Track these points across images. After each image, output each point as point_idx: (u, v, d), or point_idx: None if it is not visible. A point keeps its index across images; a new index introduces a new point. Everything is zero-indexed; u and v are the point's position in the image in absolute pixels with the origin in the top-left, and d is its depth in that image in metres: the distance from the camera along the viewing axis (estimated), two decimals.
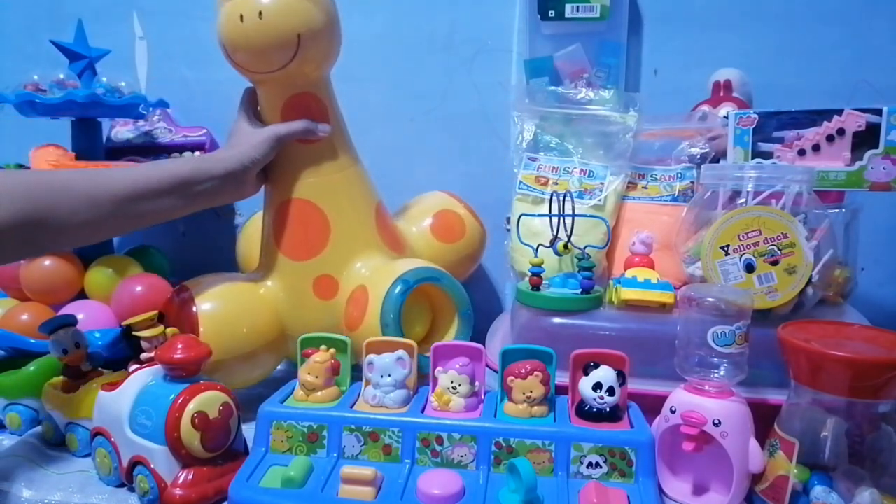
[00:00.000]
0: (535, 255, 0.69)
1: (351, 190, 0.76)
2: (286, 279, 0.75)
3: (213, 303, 0.71)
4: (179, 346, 0.58)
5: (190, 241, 1.10)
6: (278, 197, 0.75)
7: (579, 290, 0.67)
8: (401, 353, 0.60)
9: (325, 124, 0.74)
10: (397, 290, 0.68)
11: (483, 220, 0.92)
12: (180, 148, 1.04)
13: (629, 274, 0.68)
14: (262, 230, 0.79)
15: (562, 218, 0.70)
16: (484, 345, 0.66)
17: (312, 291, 0.74)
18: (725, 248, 0.61)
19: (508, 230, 0.78)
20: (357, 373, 0.64)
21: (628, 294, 0.66)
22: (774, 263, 0.60)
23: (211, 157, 0.71)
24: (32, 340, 0.75)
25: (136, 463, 0.57)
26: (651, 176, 0.79)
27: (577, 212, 0.70)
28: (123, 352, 0.72)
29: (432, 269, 0.73)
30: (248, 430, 0.61)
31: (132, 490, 0.58)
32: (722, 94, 0.86)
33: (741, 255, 0.61)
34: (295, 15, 0.67)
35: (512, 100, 0.88)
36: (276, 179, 0.75)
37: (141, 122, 1.06)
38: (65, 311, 0.79)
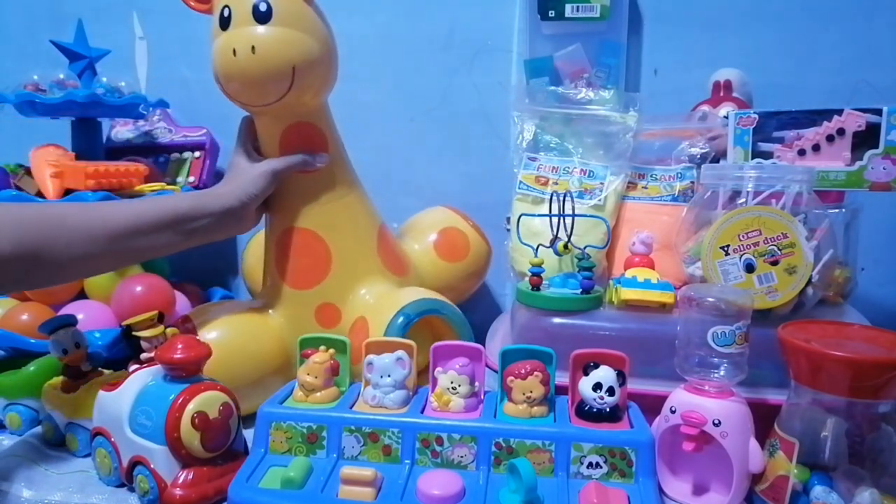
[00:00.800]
0: (535, 255, 0.69)
1: (351, 217, 0.76)
2: (288, 308, 0.75)
3: (218, 332, 0.70)
4: (179, 346, 0.58)
5: None
6: (278, 226, 0.75)
7: (579, 290, 0.67)
8: (400, 353, 0.60)
9: (324, 154, 0.73)
10: (399, 321, 0.68)
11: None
12: (180, 148, 1.04)
13: (629, 274, 0.68)
14: (265, 257, 0.78)
15: (562, 218, 0.70)
16: (484, 345, 0.66)
17: (315, 320, 0.74)
18: (725, 248, 0.61)
19: (508, 230, 0.78)
20: None
21: (628, 294, 0.65)
22: (774, 263, 0.60)
23: (209, 193, 0.70)
24: (32, 340, 0.75)
25: (136, 463, 0.57)
26: (651, 176, 0.79)
27: (577, 212, 0.70)
28: (123, 352, 0.72)
29: (433, 299, 0.72)
30: (248, 434, 0.61)
31: (132, 490, 0.58)
32: (722, 94, 0.86)
33: (741, 255, 0.61)
34: (289, 47, 0.66)
35: (512, 100, 0.88)
36: (276, 209, 0.75)
37: (141, 122, 1.06)
38: (65, 311, 0.79)
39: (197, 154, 1.04)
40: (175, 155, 1.04)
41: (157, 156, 1.05)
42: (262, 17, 0.65)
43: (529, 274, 0.68)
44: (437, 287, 0.80)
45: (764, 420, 0.55)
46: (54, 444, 0.67)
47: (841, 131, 0.67)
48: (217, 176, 1.07)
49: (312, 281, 0.74)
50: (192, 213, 0.66)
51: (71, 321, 0.67)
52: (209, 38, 0.70)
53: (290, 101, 0.68)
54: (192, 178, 1.01)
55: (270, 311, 0.75)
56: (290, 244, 0.74)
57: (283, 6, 0.66)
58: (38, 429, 0.69)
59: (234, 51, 0.65)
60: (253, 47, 0.64)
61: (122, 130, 1.08)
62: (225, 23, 0.67)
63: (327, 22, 0.71)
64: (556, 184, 0.77)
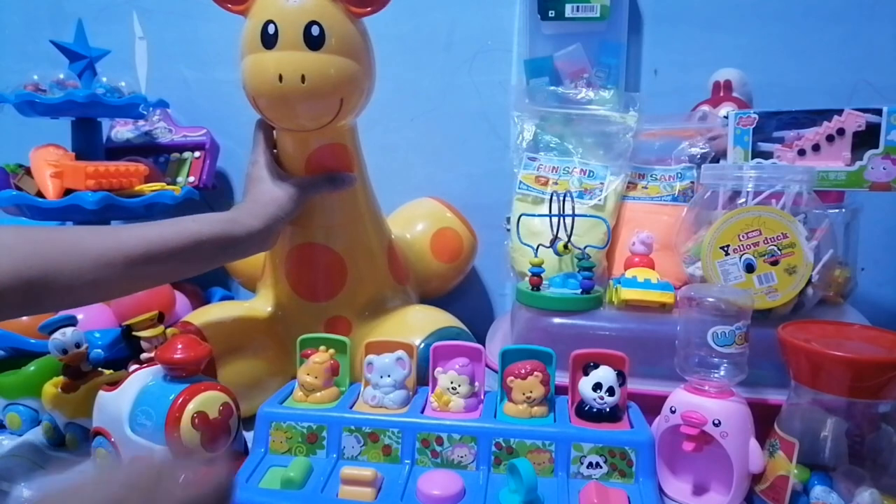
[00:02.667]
0: (535, 255, 0.69)
1: (368, 234, 0.75)
2: (297, 317, 0.74)
3: (221, 337, 0.69)
4: (179, 346, 0.58)
5: None
6: (295, 239, 0.72)
7: (579, 290, 0.67)
8: (400, 353, 0.60)
9: (351, 174, 0.71)
10: (420, 348, 0.66)
11: (483, 220, 0.92)
12: (180, 148, 1.04)
13: (629, 274, 0.68)
14: (271, 263, 0.76)
15: (562, 218, 0.70)
16: (484, 345, 0.66)
17: (324, 331, 0.72)
18: (725, 248, 0.61)
19: (508, 230, 0.78)
20: None
21: (628, 294, 0.65)
22: (774, 263, 0.60)
23: (233, 219, 0.64)
24: (32, 340, 0.75)
25: None
26: (651, 176, 0.79)
27: (577, 212, 0.70)
28: (123, 352, 0.72)
29: (452, 328, 0.71)
30: (248, 435, 0.61)
31: None
32: (722, 94, 0.86)
33: (741, 255, 0.61)
34: (341, 78, 0.62)
35: (512, 100, 0.88)
36: (294, 223, 0.71)
37: (141, 122, 1.06)
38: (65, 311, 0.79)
39: (197, 154, 1.04)
40: (175, 155, 1.04)
41: (157, 156, 1.04)
42: (313, 42, 0.60)
43: (529, 274, 0.68)
44: (427, 278, 0.83)
45: (764, 420, 0.55)
46: (54, 444, 0.67)
47: (841, 131, 0.67)
48: (217, 176, 1.07)
49: (326, 295, 0.73)
50: (215, 241, 0.61)
51: (71, 321, 0.67)
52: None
53: (329, 126, 0.65)
54: (192, 178, 1.01)
55: (275, 315, 0.75)
56: (306, 259, 0.73)
57: (336, 31, 0.62)
58: (38, 429, 0.69)
59: (281, 77, 0.60)
60: (303, 77, 0.59)
61: (122, 130, 1.07)
62: (269, 41, 0.60)
63: (370, 41, 0.67)
64: (556, 184, 0.77)
